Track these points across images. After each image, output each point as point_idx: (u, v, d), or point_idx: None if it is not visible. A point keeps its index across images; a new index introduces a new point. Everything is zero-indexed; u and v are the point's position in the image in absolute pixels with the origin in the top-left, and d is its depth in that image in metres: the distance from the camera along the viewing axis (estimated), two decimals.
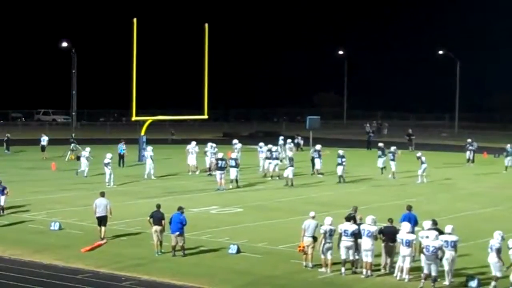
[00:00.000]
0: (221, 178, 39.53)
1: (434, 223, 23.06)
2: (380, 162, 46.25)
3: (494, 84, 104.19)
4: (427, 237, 22.08)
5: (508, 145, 50.36)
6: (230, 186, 40.23)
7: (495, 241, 21.32)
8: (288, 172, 41.16)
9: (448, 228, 22.09)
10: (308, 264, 23.53)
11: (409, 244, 22.17)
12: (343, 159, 42.56)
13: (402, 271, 22.33)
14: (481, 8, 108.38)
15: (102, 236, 27.14)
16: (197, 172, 45.22)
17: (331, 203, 35.57)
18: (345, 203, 34.43)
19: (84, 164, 43.58)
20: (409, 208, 25.11)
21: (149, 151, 44.27)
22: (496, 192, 40.06)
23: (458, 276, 22.06)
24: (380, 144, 47.37)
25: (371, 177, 45.32)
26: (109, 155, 41.04)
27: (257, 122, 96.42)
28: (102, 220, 27.34)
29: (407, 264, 22.22)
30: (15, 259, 24.46)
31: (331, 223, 23.31)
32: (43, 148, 54.47)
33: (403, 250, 22.28)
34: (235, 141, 49.48)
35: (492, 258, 21.21)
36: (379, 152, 46.58)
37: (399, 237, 22.51)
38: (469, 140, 53.97)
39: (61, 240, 27.20)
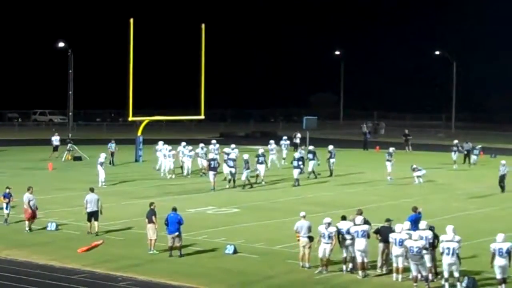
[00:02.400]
0: (214, 178, 39.57)
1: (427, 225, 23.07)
2: (311, 166, 44.48)
3: (491, 85, 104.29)
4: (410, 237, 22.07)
5: (469, 143, 52.50)
6: (227, 186, 40.28)
7: (506, 244, 21.10)
8: (243, 176, 40.45)
9: (449, 229, 22.03)
10: (305, 264, 23.54)
11: (401, 243, 22.17)
12: (300, 162, 41.55)
13: (397, 271, 22.31)
14: (478, 9, 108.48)
15: (96, 231, 27.70)
16: (173, 176, 43.72)
17: (328, 203, 35.57)
18: (342, 204, 34.52)
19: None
20: (415, 209, 25.08)
21: (166, 150, 44.37)
22: (493, 192, 40.05)
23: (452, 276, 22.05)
24: (311, 147, 45.73)
25: (368, 178, 45.31)
26: (103, 155, 41.14)
27: (254, 122, 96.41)
28: (93, 215, 27.95)
29: (400, 264, 22.23)
30: (12, 259, 24.45)
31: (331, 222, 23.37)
32: (56, 148, 54.28)
33: (396, 250, 22.27)
34: (213, 141, 49.19)
35: (501, 261, 21.05)
36: (310, 155, 44.59)
37: (392, 236, 22.47)
38: (455, 141, 53.91)
39: (57, 240, 27.19)
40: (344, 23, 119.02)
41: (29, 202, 28.70)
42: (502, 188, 39.71)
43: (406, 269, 22.22)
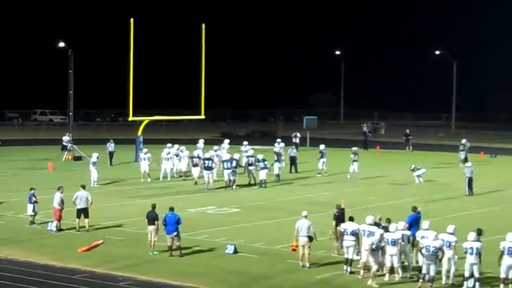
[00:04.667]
0: (208, 178, 39.52)
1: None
2: (276, 168, 42.94)
3: (491, 84, 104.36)
4: (426, 237, 22.07)
5: (467, 143, 52.76)
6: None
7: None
8: (226, 176, 40.02)
9: (449, 228, 22.08)
10: (305, 264, 23.55)
11: (394, 243, 22.18)
12: (266, 162, 40.92)
13: (391, 271, 22.30)
14: (478, 8, 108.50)
15: (87, 228, 28.17)
16: (149, 180, 42.26)
17: (328, 203, 35.50)
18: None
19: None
20: (415, 209, 25.10)
21: (174, 149, 44.07)
22: (493, 192, 40.05)
23: (455, 276, 22.06)
24: (277, 149, 44.59)
25: (368, 177, 45.30)
26: (95, 154, 41.03)
27: (254, 122, 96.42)
28: (82, 212, 28.40)
29: (395, 264, 22.23)
30: (12, 259, 24.44)
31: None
32: (64, 148, 54.00)
33: (390, 250, 22.26)
34: (226, 140, 48.77)
35: (509, 260, 21.04)
36: (275, 157, 43.66)
37: (385, 236, 22.49)
38: (463, 140, 53.94)
39: (58, 240, 27.19)
40: (344, 23, 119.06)
41: (62, 202, 28.67)
42: (470, 191, 38.61)
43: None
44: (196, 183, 40.87)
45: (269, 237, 27.63)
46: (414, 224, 24.09)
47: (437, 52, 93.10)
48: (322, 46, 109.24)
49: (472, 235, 21.55)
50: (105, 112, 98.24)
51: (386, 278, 22.33)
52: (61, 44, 78.07)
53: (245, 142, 48.77)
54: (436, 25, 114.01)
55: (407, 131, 64.71)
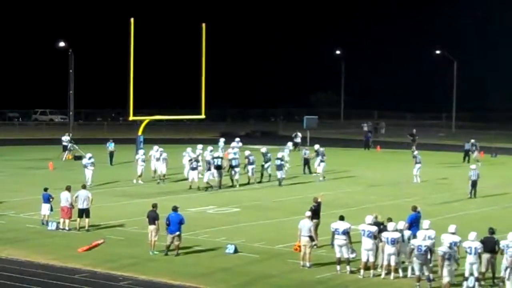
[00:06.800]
0: (218, 177, 39.44)
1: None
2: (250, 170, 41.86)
3: (491, 84, 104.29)
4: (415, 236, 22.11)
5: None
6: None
7: None
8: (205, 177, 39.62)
9: (451, 228, 22.08)
10: (305, 264, 23.56)
11: (394, 242, 22.18)
12: (282, 162, 41.07)
13: (390, 270, 22.31)
14: (478, 7, 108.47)
15: (87, 228, 28.24)
16: (134, 181, 41.41)
17: (327, 203, 35.44)
18: (342, 203, 34.53)
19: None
20: (414, 208, 25.10)
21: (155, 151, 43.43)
22: (493, 192, 40.04)
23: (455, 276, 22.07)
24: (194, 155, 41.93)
25: (369, 177, 45.33)
26: (88, 155, 40.74)
27: (255, 121, 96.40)
28: (84, 213, 28.43)
29: (392, 263, 22.26)
30: (12, 259, 24.45)
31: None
32: (65, 148, 53.92)
33: (388, 249, 22.27)
34: (237, 139, 48.63)
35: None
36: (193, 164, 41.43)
37: (384, 235, 22.48)
38: (472, 140, 53.99)
39: (58, 240, 27.21)
40: (344, 23, 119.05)
41: (72, 202, 28.67)
42: (474, 193, 37.94)
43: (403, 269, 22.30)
44: (190, 187, 39.65)
45: (269, 237, 27.64)
46: (414, 223, 24.11)
47: (437, 52, 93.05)
48: (322, 46, 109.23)
49: (472, 235, 21.55)
50: (105, 112, 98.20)
51: (386, 276, 22.34)
52: (61, 44, 78.07)
53: (233, 144, 47.54)
54: (436, 25, 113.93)
55: (414, 131, 64.28)
